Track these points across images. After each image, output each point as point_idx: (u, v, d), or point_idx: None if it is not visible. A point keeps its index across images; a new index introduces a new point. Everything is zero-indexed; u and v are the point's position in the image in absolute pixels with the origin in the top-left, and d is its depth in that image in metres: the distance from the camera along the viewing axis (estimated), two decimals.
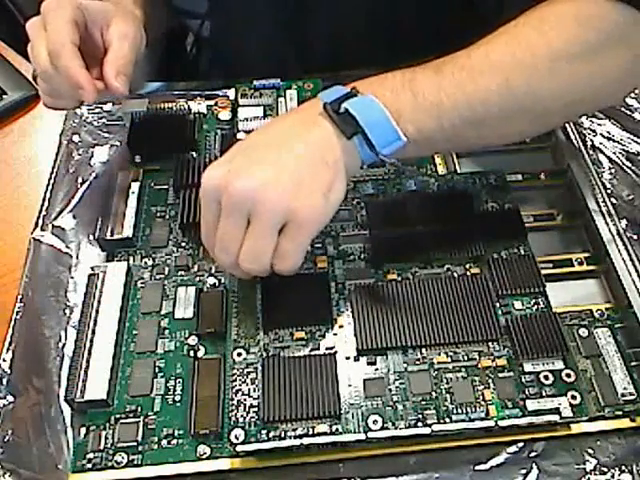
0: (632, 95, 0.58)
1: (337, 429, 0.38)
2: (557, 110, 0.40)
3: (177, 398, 0.40)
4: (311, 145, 0.37)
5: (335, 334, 0.42)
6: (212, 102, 0.57)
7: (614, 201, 0.49)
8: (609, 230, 0.46)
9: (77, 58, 0.44)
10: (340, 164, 0.37)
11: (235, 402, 0.39)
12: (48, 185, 0.53)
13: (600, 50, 0.38)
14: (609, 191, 0.50)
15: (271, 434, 0.38)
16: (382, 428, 0.38)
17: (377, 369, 0.40)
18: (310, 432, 0.38)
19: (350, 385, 0.40)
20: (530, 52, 0.38)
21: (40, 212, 0.51)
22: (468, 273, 0.45)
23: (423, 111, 0.37)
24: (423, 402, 0.39)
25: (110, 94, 0.47)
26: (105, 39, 0.47)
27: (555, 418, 0.37)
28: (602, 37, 0.38)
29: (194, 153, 0.53)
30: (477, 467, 0.38)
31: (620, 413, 0.39)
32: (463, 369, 0.40)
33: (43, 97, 0.49)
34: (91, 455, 0.38)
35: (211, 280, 0.45)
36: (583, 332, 0.42)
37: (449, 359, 0.41)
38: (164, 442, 0.38)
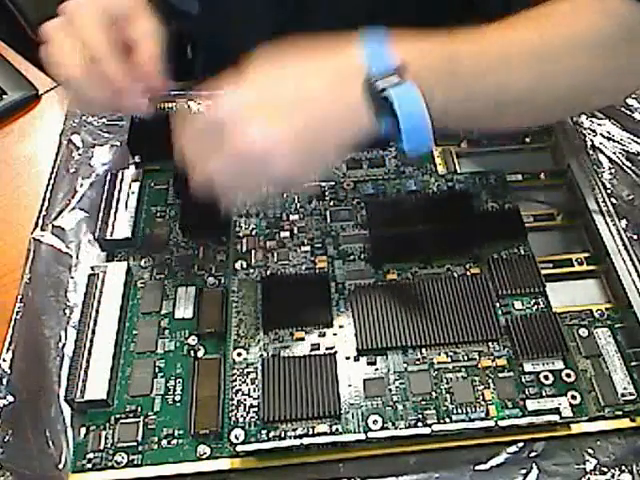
0: (632, 95, 0.58)
1: (337, 429, 0.38)
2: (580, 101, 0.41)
3: (177, 398, 0.40)
4: (335, 122, 0.35)
5: (335, 334, 0.42)
6: (212, 102, 0.57)
7: (614, 201, 0.49)
8: (609, 230, 0.46)
9: (117, 61, 0.41)
10: (350, 147, 0.35)
11: (235, 402, 0.39)
12: (48, 185, 0.53)
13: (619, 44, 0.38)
14: (609, 191, 0.50)
15: (271, 434, 0.38)
16: (382, 428, 0.38)
17: (377, 369, 0.40)
18: (310, 432, 0.38)
19: (350, 385, 0.40)
20: (559, 37, 0.38)
21: (40, 212, 0.51)
22: (468, 273, 0.45)
23: (456, 90, 0.36)
24: (423, 402, 0.39)
25: (148, 94, 0.44)
26: (129, 37, 0.43)
27: (555, 418, 0.37)
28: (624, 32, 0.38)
29: None
30: (477, 467, 0.38)
31: (620, 413, 0.39)
32: (463, 369, 0.40)
33: (76, 103, 0.46)
34: (91, 455, 0.38)
35: (211, 280, 0.45)
36: (583, 332, 0.42)
37: (449, 359, 0.41)
38: (164, 442, 0.38)
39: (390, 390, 0.39)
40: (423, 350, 0.41)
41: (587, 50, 0.38)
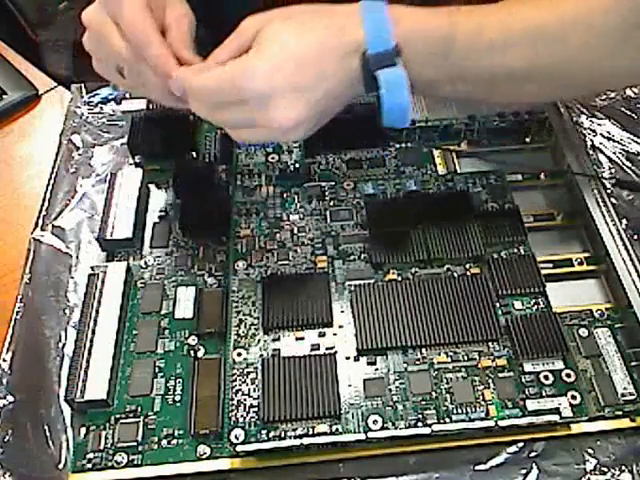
0: (632, 95, 0.58)
1: (337, 429, 0.38)
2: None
3: (177, 398, 0.40)
4: (341, 96, 0.38)
5: (335, 334, 0.42)
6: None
7: (614, 201, 0.49)
8: (609, 230, 0.46)
9: (165, 45, 0.40)
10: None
11: (235, 402, 0.39)
12: (48, 185, 0.53)
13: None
14: (609, 191, 0.50)
15: (271, 434, 0.38)
16: (382, 428, 0.38)
17: (377, 369, 0.40)
18: (310, 432, 0.38)
19: (350, 385, 0.40)
20: (565, 15, 0.37)
21: (40, 212, 0.51)
22: (468, 273, 0.45)
23: (447, 71, 0.37)
24: (423, 402, 0.39)
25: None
26: (163, 22, 0.42)
27: (555, 418, 0.37)
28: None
29: (194, 153, 0.53)
30: (477, 467, 0.38)
31: (620, 413, 0.39)
32: (463, 369, 0.40)
33: (130, 90, 0.46)
34: (91, 455, 0.38)
35: (211, 280, 0.45)
36: (583, 332, 0.42)
37: (449, 359, 0.41)
38: (164, 442, 0.38)
39: (390, 390, 0.39)
40: (423, 350, 0.41)
41: (590, 32, 0.37)
